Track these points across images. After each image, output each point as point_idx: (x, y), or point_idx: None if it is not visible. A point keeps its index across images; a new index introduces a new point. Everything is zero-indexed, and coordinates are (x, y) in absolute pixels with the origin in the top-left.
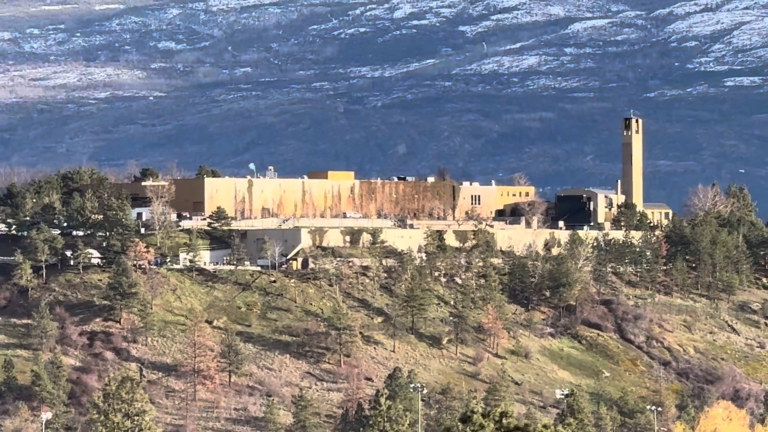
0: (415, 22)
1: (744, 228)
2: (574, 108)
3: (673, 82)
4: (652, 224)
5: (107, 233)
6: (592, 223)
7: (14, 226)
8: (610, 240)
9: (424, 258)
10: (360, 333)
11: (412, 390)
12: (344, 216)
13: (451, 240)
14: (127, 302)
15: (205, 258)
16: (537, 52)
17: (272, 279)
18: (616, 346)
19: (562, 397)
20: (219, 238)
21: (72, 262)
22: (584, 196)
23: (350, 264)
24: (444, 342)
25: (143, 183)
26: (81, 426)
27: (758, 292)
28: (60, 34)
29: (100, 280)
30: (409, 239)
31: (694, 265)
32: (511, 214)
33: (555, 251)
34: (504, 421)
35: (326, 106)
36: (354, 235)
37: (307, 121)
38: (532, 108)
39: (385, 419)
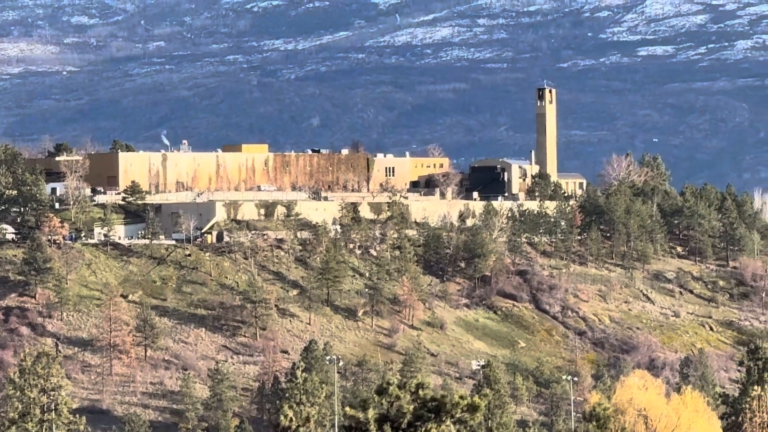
0: None
1: (658, 197)
2: (487, 79)
3: (586, 52)
4: (566, 194)
5: (21, 208)
6: (506, 194)
7: None
8: (525, 210)
9: (339, 230)
10: (275, 306)
11: (328, 362)
12: (258, 189)
13: (365, 212)
14: (42, 277)
15: (119, 232)
16: (450, 23)
17: (187, 253)
18: (532, 317)
19: (478, 368)
20: (133, 213)
21: None
22: (498, 166)
23: (265, 237)
24: (359, 314)
25: (57, 158)
26: None
27: (672, 261)
28: None
29: (15, 255)
30: (324, 212)
31: (608, 234)
32: (425, 185)
33: (469, 222)
34: (420, 392)
35: (240, 79)
36: (268, 208)
37: (220, 94)
38: (445, 79)
39: (302, 392)
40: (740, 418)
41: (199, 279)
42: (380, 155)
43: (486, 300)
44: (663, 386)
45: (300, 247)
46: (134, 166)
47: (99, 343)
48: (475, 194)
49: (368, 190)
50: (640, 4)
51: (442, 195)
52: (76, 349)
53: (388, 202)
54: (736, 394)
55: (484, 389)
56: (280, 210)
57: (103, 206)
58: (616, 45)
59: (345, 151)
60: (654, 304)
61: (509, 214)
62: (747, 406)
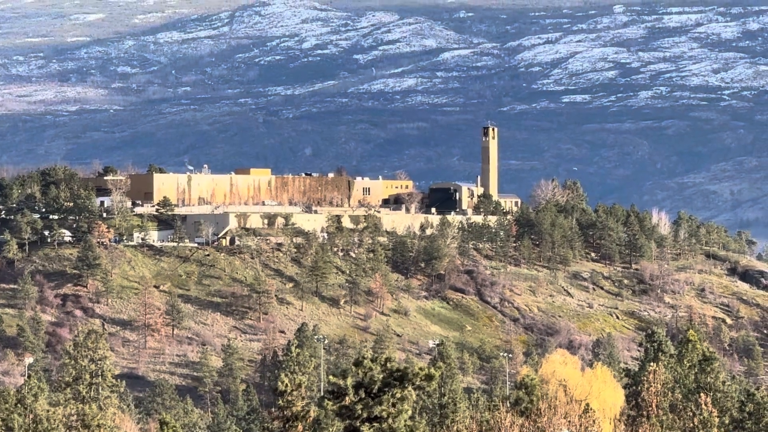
0: (319, 52)
1: (576, 213)
2: (443, 119)
3: (521, 99)
4: (504, 211)
5: (77, 217)
6: (457, 210)
7: (3, 211)
8: (472, 223)
9: (326, 237)
10: (275, 296)
11: (316, 341)
12: (263, 204)
13: (346, 223)
14: (92, 271)
15: (153, 236)
16: (414, 75)
17: (206, 253)
18: (477, 306)
19: (434, 346)
20: (164, 221)
21: (49, 240)
22: (451, 188)
23: (267, 241)
24: (341, 303)
25: (105, 178)
26: (56, 368)
27: (588, 263)
28: (40, 61)
29: (71, 254)
30: (314, 222)
31: (537, 242)
32: (394, 202)
33: (428, 232)
34: (388, 365)
35: (249, 117)
36: (270, 219)
37: (234, 129)
38: (410, 119)
39: (295, 363)
40: (639, 388)
41: (215, 274)
42: (359, 178)
43: (441, 293)
44: (579, 362)
45: (295, 250)
46: (165, 184)
47: (136, 323)
48: (433, 210)
49: (349, 205)
50: (564, 61)
51: (407, 210)
52: (118, 327)
53: (364, 215)
54: (636, 369)
55: (438, 363)
56: (280, 220)
57: (140, 216)
58: (544, 94)
59: (331, 175)
60: (573, 298)
61: (460, 226)
62: (645, 378)
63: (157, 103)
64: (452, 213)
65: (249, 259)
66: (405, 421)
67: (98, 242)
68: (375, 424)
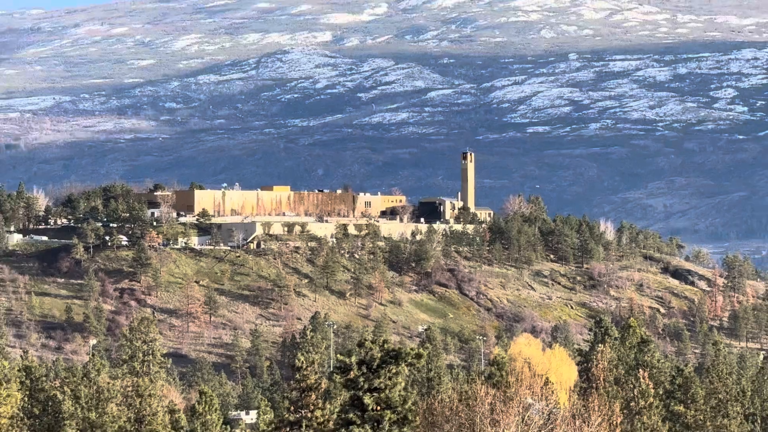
0: (329, 91)
1: (538, 223)
2: (430, 146)
3: (493, 129)
4: (480, 220)
5: (132, 225)
6: (442, 220)
7: (72, 221)
8: (453, 230)
9: (335, 241)
10: (293, 289)
11: (326, 326)
12: (283, 214)
13: (351, 230)
14: (144, 269)
15: (194, 241)
16: (407, 110)
17: (237, 255)
18: (457, 298)
19: (422, 330)
20: (203, 229)
21: (109, 244)
22: (437, 202)
23: (287, 245)
24: (347, 295)
25: (155, 193)
26: (114, 348)
27: (548, 264)
28: (102, 98)
29: (127, 255)
30: (325, 229)
31: (506, 246)
32: (390, 213)
33: (418, 237)
34: (385, 346)
35: (273, 144)
36: (290, 226)
37: (259, 153)
38: (403, 146)
39: (309, 344)
40: (589, 365)
41: (244, 272)
42: (361, 194)
43: (428, 287)
44: (540, 344)
45: (309, 252)
46: (204, 199)
47: (180, 311)
48: (422, 220)
49: (353, 216)
50: (528, 99)
51: (401, 220)
52: (165, 315)
53: (366, 224)
54: (587, 350)
55: (426, 344)
56: (297, 228)
57: (183, 224)
58: (512, 125)
59: (339, 191)
60: (535, 291)
61: (443, 233)
62: (594, 357)
63: (197, 132)
64: (437, 222)
65: (272, 259)
66: (399, 391)
67: (149, 246)
68: (374, 394)
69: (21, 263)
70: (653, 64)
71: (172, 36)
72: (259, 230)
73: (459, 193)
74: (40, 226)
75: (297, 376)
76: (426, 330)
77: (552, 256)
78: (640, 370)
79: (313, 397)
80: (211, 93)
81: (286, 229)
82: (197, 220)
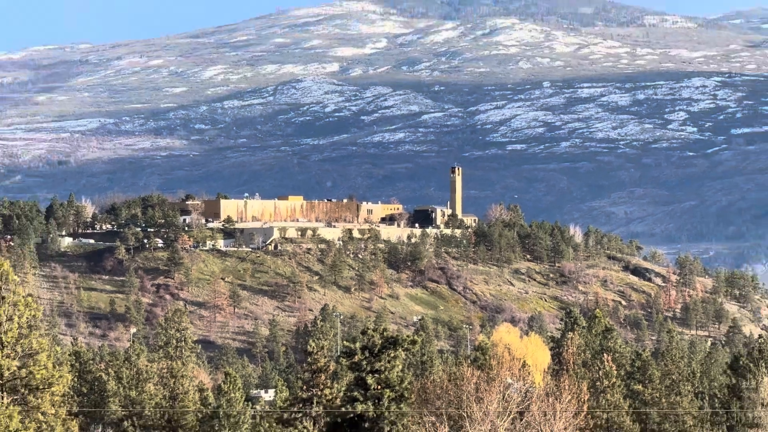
0: (336, 114)
1: (517, 228)
2: (423, 162)
3: (478, 147)
4: (467, 226)
5: (166, 230)
6: (433, 225)
7: (115, 225)
8: (444, 234)
9: (341, 244)
10: (306, 285)
11: (334, 317)
12: (297, 221)
13: (356, 234)
14: (178, 268)
15: (220, 244)
16: (403, 131)
17: (257, 255)
18: (447, 292)
19: (417, 320)
20: (228, 233)
21: (147, 246)
22: (429, 210)
23: (301, 247)
24: (352, 290)
25: (186, 202)
26: (152, 336)
27: (525, 263)
28: (141, 120)
29: (163, 255)
30: (333, 234)
31: (489, 248)
32: (389, 220)
33: (413, 240)
34: (385, 333)
35: (288, 160)
36: (303, 231)
37: (277, 168)
38: (400, 162)
39: (320, 332)
40: (561, 350)
41: (264, 270)
42: (364, 203)
43: (422, 283)
44: (519, 332)
45: (320, 253)
46: (229, 207)
47: (208, 304)
48: (417, 225)
49: (357, 222)
50: (508, 121)
51: (398, 225)
52: (196, 307)
53: (368, 229)
54: (559, 337)
55: (420, 332)
56: (309, 232)
57: (211, 229)
58: (494, 143)
59: (345, 201)
60: (514, 287)
61: (435, 236)
62: (565, 343)
63: (223, 150)
64: (430, 227)
65: (287, 259)
66: (397, 373)
67: (182, 248)
68: (376, 375)
69: (71, 263)
70: (615, 90)
71: (201, 67)
72: (276, 234)
73: (448, 202)
74: (88, 231)
75: (309, 359)
76: (420, 320)
77: (528, 256)
78: (605, 354)
79: (323, 377)
80: (235, 116)
81: (299, 233)
82: (223, 225)
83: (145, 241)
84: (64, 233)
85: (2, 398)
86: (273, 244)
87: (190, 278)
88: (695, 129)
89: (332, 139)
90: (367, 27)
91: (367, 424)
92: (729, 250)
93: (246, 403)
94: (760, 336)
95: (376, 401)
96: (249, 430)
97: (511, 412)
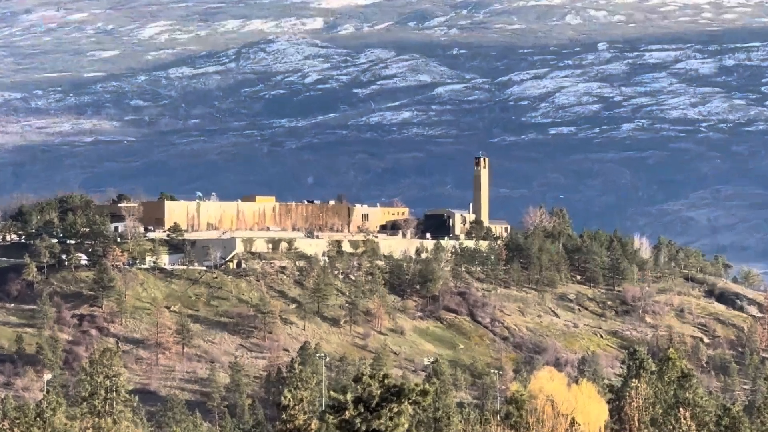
0: (320, 86)
1: (563, 239)
2: (437, 150)
3: (510, 130)
4: (495, 236)
5: (92, 241)
6: (450, 235)
7: (23, 236)
8: (464, 247)
9: (327, 260)
10: (279, 316)
11: (317, 358)
12: (268, 229)
13: (346, 247)
14: (107, 293)
15: (164, 260)
16: (410, 108)
17: (214, 276)
18: (469, 326)
19: (429, 363)
20: (175, 246)
21: (66, 263)
22: (445, 215)
23: (272, 264)
24: (341, 322)
25: (119, 205)
26: (72, 384)
27: (573, 286)
28: (58, 94)
29: (87, 276)
30: (316, 246)
31: (526, 266)
32: (391, 228)
33: (423, 256)
34: (385, 381)
35: (254, 148)
36: (275, 243)
37: (240, 159)
38: (406, 150)
39: (298, 379)
40: (622, 403)
41: (223, 295)
42: (358, 205)
43: (435, 313)
44: (565, 378)
45: (298, 273)
46: (176, 211)
47: (148, 341)
48: (428, 235)
49: (349, 231)
50: (551, 96)
51: (403, 235)
52: (131, 346)
53: (363, 240)
54: (619, 385)
55: (432, 379)
56: (284, 245)
57: (152, 241)
58: (533, 126)
59: (332, 202)
60: (559, 318)
61: (453, 250)
62: (627, 394)
63: (168, 134)
64: (446, 238)
65: (254, 281)
66: None
67: (113, 265)
68: None
69: None
70: (695, 54)
71: (139, 23)
72: (239, 247)
73: (471, 205)
74: None
75: (283, 416)
76: (433, 363)
77: (578, 277)
78: (681, 408)
79: None
80: (184, 89)
81: (270, 246)
82: (168, 235)
83: (64, 257)
84: None
85: None
86: (235, 261)
87: (124, 307)
88: None
89: (315, 120)
90: None
91: None
92: None
93: None
94: None
95: None
96: None
97: None
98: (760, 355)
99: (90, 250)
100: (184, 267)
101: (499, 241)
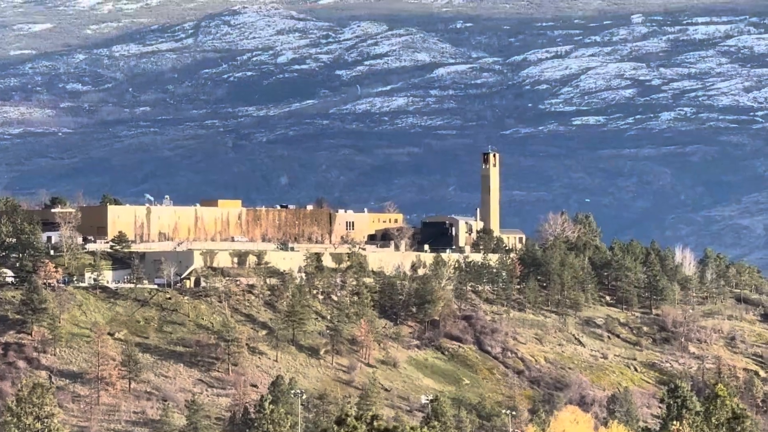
0: (296, 67)
1: (589, 251)
2: (438, 144)
3: (526, 121)
4: (507, 248)
5: (20, 254)
6: (453, 247)
7: None
8: (470, 262)
9: (304, 277)
10: (246, 344)
11: (292, 395)
12: (232, 240)
13: (327, 261)
14: (38, 316)
15: (107, 277)
16: (405, 93)
17: (168, 296)
18: (475, 357)
19: (427, 402)
20: (120, 260)
21: None
22: (447, 222)
23: (238, 283)
24: (321, 352)
25: (53, 210)
26: None
27: (601, 308)
28: None
29: (14, 296)
30: (291, 261)
31: (544, 284)
32: (381, 238)
33: (421, 272)
34: (375, 423)
35: (217, 141)
36: (241, 256)
37: (199, 154)
38: (400, 144)
39: (269, 422)
40: None
41: (178, 320)
42: (341, 211)
43: (434, 341)
44: (592, 421)
45: (269, 292)
46: (121, 218)
47: (88, 375)
48: (426, 247)
49: (330, 242)
50: (575, 78)
51: (397, 247)
52: (67, 381)
53: (348, 253)
54: (658, 429)
55: (432, 421)
56: (252, 259)
57: (93, 253)
58: (553, 115)
59: (310, 207)
60: (585, 347)
61: (456, 265)
62: None
63: (112, 125)
64: (448, 251)
65: (216, 302)
66: None
67: (45, 283)
68: None
69: None
70: (750, 29)
71: None
72: (198, 262)
73: (478, 210)
74: None
75: None
76: (432, 401)
77: (608, 298)
78: None
79: None
80: (132, 70)
81: (235, 260)
82: (111, 247)
83: None
84: None
85: None
86: (193, 279)
87: (59, 333)
88: None
89: (289, 107)
90: None
91: None
92: None
93: None
94: None
95: None
96: None
97: None
98: None
99: (17, 264)
100: (132, 285)
101: (512, 255)
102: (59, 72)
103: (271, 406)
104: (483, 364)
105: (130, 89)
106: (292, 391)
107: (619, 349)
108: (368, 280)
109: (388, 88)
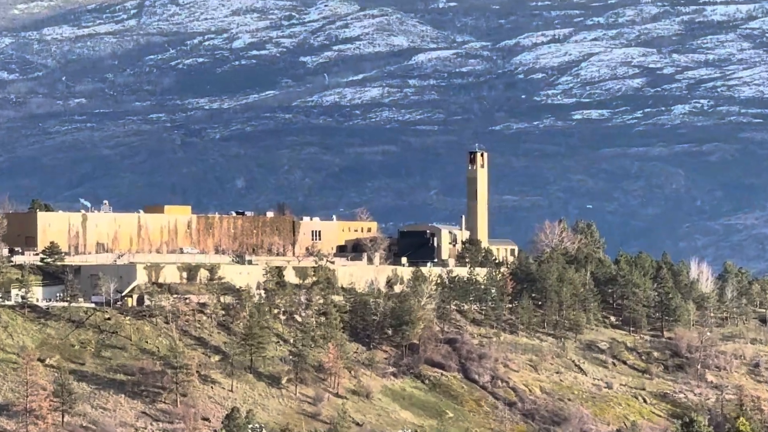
0: (254, 53)
1: (592, 265)
2: (417, 141)
3: (519, 114)
4: (497, 261)
5: None
6: (435, 260)
7: None
8: (455, 277)
9: (263, 295)
10: (197, 372)
11: (250, 431)
12: (181, 251)
13: (290, 276)
14: None
15: (37, 294)
16: (380, 83)
17: (107, 316)
18: (460, 386)
19: None
20: (52, 274)
21: None
22: (428, 231)
23: (187, 301)
24: (283, 381)
25: None
26: None
27: (606, 330)
28: None
29: None
30: (248, 275)
31: (540, 303)
32: (352, 250)
33: (398, 288)
34: None
35: (163, 138)
36: (191, 271)
37: (143, 153)
38: (374, 141)
39: None
40: None
41: (118, 343)
42: (306, 218)
43: (413, 369)
44: None
45: (223, 312)
46: (53, 226)
47: (15, 407)
48: (404, 260)
49: (294, 254)
50: (575, 66)
51: (370, 260)
52: None
53: (314, 267)
54: None
55: None
56: (203, 273)
57: (20, 267)
58: (550, 108)
59: (270, 214)
60: (586, 375)
61: (438, 281)
62: None
63: (43, 119)
64: (429, 264)
65: (163, 324)
66: None
67: None
68: None
69: None
70: None
71: None
72: (141, 277)
73: (464, 218)
74: None
75: None
76: None
77: (613, 318)
78: None
79: None
80: (65, 56)
81: (184, 274)
82: (42, 260)
83: None
84: None
85: None
86: (136, 296)
87: None
88: None
89: (247, 99)
90: None
91: None
92: None
93: None
94: None
95: None
96: None
97: None
98: None
99: None
100: (65, 304)
101: (502, 269)
102: None
103: None
104: (469, 395)
105: (64, 78)
106: (250, 426)
107: (625, 378)
108: (337, 298)
109: (360, 77)
